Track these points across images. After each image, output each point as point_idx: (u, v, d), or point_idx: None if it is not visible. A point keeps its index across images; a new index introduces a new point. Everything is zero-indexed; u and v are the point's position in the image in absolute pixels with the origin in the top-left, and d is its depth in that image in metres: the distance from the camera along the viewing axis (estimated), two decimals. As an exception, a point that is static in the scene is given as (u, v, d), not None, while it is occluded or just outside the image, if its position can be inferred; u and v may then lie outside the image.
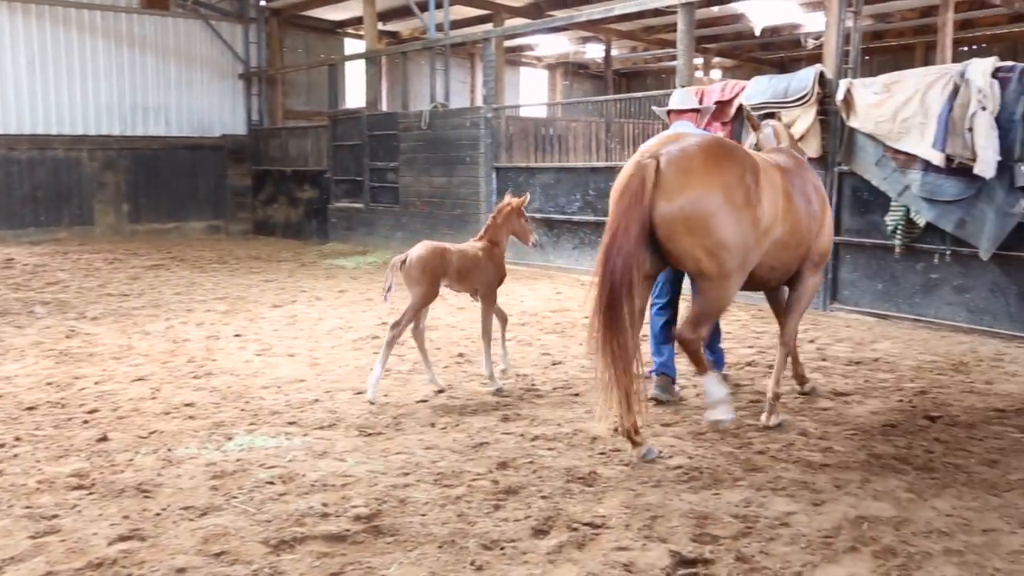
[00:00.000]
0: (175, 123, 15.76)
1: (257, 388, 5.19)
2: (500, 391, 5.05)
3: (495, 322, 5.12)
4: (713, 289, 3.82)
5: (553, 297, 8.79)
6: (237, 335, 6.76)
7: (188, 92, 15.82)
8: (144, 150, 15.26)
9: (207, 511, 3.28)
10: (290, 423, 4.48)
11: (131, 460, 3.88)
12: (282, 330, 6.98)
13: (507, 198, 5.27)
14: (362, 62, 14.55)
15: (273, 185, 15.91)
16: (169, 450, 4.01)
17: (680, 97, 5.28)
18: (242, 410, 4.72)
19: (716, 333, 5.22)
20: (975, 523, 3.20)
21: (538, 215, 10.43)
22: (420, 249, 4.97)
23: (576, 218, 10.22)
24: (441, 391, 5.07)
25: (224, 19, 16.16)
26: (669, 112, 5.23)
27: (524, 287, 9.31)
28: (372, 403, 4.81)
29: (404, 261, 4.93)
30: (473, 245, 5.16)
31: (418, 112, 12.72)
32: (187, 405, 4.80)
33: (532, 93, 22.02)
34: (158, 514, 3.26)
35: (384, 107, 17.41)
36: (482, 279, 5.04)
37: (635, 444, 3.86)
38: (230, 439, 4.17)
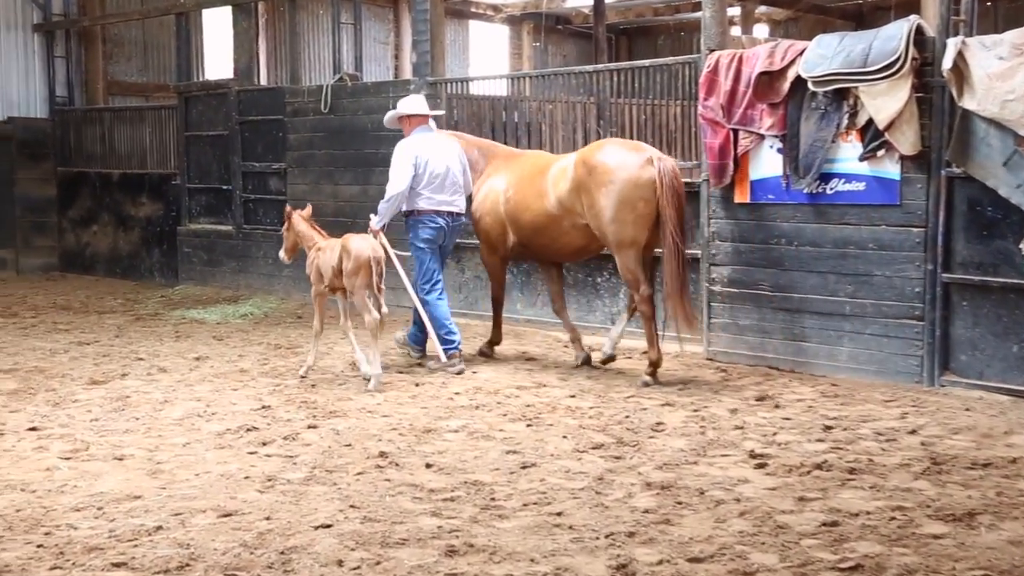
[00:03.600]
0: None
1: (65, 510, 5.17)
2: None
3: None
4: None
5: (521, 366, 8.91)
6: (32, 428, 6.79)
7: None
8: None
9: None
10: (117, 565, 4.43)
11: None
12: (105, 420, 7.02)
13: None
14: (227, 11, 14.68)
15: (91, 196, 15.86)
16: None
17: (414, 101, 9.06)
18: (39, 546, 4.67)
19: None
20: None
21: None
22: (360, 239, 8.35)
23: (556, 246, 10.38)
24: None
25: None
26: (405, 116, 8.71)
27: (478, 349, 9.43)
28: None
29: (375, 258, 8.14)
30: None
31: (315, 87, 12.83)
32: (-50, 539, 4.72)
33: (487, 60, 22.38)
34: None
35: (263, 79, 17.54)
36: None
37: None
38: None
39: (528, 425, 6.89)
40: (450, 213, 8.97)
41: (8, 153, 16.01)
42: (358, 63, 13.02)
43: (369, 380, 8.02)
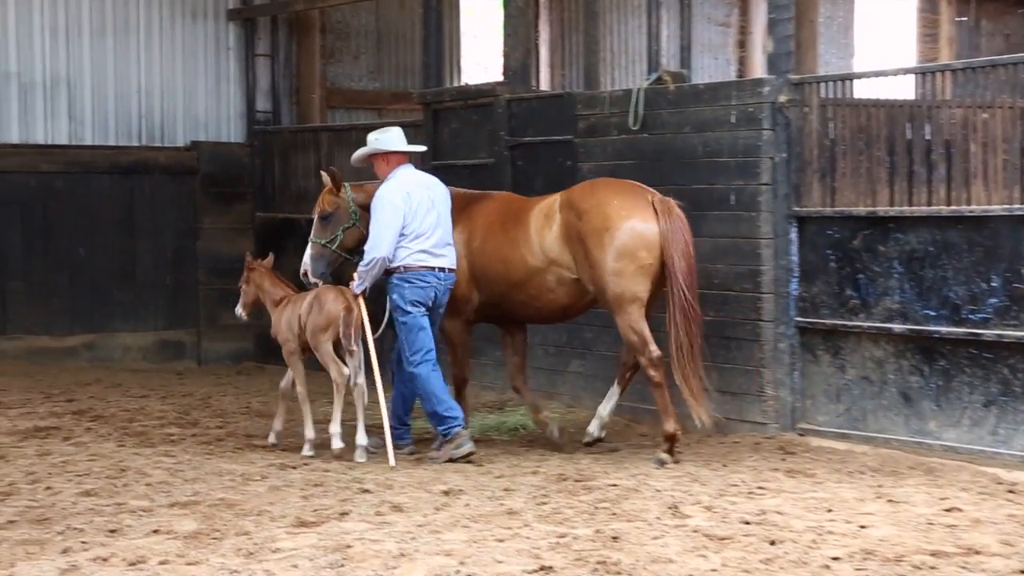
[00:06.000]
0: (90, 118, 17.00)
1: None
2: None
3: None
4: None
5: (938, 517, 8.62)
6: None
7: (118, 51, 17.06)
8: (21, 175, 16.45)
9: None
10: None
11: None
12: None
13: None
14: (497, -13, 15.09)
15: (302, 252, 16.25)
16: None
17: (394, 135, 11.25)
18: None
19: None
20: None
21: (890, 326, 10.62)
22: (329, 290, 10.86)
23: (989, 333, 10.21)
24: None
25: None
26: (382, 154, 11.09)
27: (864, 490, 9.32)
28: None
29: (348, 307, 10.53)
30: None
31: (620, 93, 12.98)
32: None
33: (882, 47, 22.01)
34: None
35: (544, 83, 17.90)
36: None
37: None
38: None
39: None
40: (441, 268, 10.75)
41: (189, 192, 17.01)
42: (684, 56, 13.04)
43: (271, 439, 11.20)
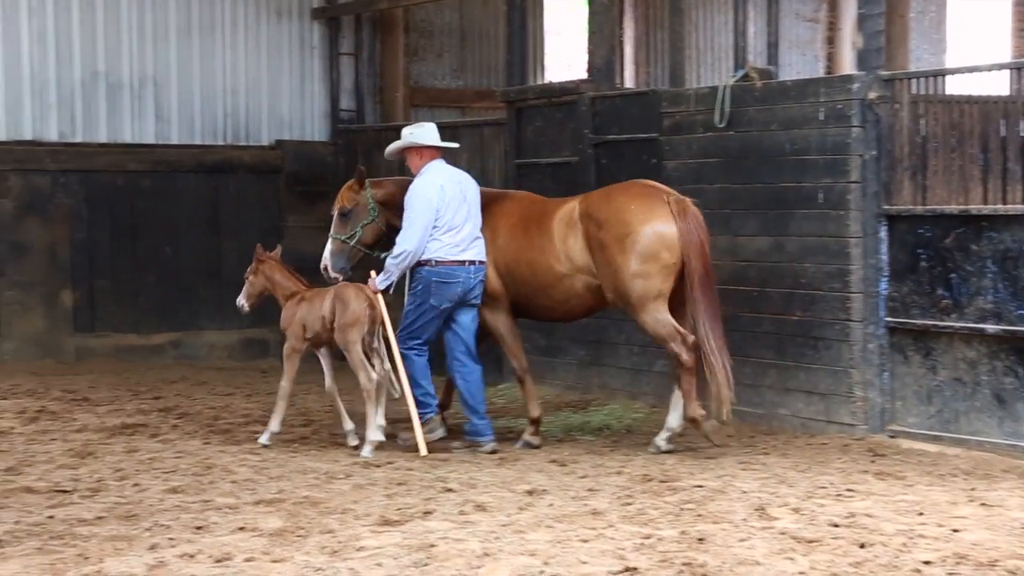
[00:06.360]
0: (176, 117, 17.25)
1: None
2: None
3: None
4: None
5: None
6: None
7: (204, 51, 17.28)
8: (108, 174, 16.67)
9: None
10: None
11: None
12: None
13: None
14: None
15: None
16: None
17: (427, 130, 11.51)
18: None
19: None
20: None
21: (983, 326, 10.59)
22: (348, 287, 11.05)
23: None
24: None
25: None
26: (415, 149, 11.38)
27: (956, 493, 9.25)
28: None
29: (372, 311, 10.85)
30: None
31: (706, 90, 12.92)
32: None
33: (976, 42, 21.78)
34: None
35: (628, 80, 17.88)
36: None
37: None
38: None
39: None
40: (471, 262, 11.18)
41: (274, 190, 17.21)
42: (771, 52, 12.97)
43: (350, 439, 11.12)
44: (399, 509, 8.87)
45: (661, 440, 11.00)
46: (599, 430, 12.04)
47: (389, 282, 11.12)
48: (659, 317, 10.73)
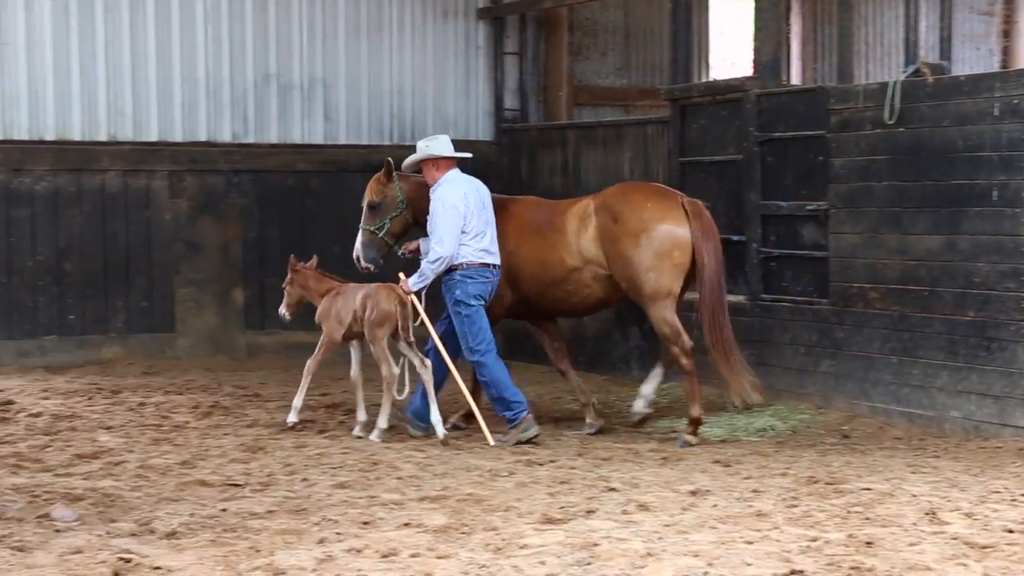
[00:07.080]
0: (344, 117, 17.50)
1: None
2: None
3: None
4: None
5: None
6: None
7: (371, 51, 17.47)
8: (279, 174, 17.01)
9: None
10: None
11: None
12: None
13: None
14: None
15: None
16: None
17: (443, 142, 12.07)
18: None
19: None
20: None
21: None
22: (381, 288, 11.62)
23: None
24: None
25: None
26: (432, 160, 11.89)
27: None
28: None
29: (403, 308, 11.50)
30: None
31: (875, 86, 12.81)
32: None
33: None
34: None
35: (795, 77, 17.72)
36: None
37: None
38: None
39: None
40: (495, 266, 11.75)
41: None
42: (944, 47, 12.77)
43: (357, 430, 11.82)
44: (562, 508, 8.90)
45: (638, 405, 12.24)
46: (763, 431, 12.01)
47: (423, 284, 11.66)
48: (667, 316, 11.59)
